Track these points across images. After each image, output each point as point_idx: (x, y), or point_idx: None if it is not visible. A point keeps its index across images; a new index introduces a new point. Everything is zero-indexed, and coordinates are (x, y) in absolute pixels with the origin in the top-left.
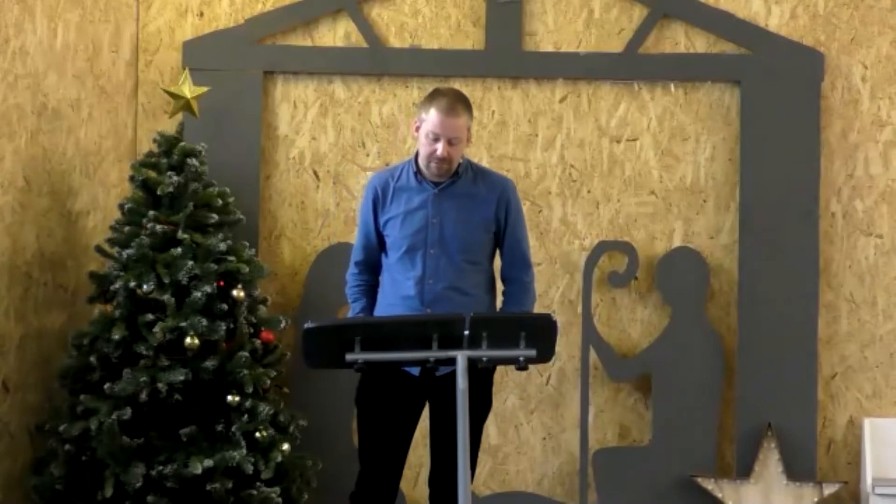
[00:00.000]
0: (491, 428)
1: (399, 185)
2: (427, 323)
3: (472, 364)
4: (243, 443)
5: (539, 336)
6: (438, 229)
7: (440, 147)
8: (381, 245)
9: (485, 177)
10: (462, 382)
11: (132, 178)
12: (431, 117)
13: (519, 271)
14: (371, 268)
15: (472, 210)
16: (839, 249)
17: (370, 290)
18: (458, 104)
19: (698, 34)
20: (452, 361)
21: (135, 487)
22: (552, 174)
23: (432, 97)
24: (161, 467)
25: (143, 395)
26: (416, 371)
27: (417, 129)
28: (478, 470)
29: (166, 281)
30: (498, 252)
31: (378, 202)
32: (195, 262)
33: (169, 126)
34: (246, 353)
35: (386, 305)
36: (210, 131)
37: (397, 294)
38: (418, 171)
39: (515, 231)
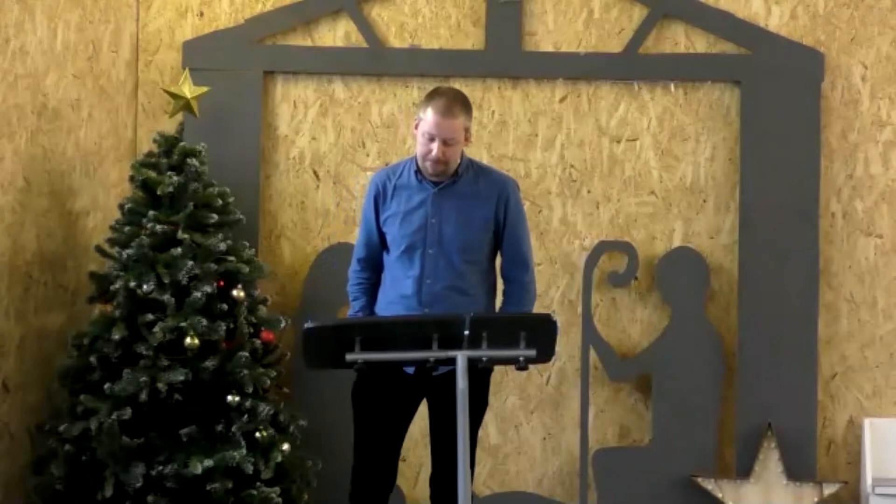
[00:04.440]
0: (491, 428)
1: (400, 182)
2: (427, 323)
3: (471, 364)
4: (243, 443)
5: (539, 336)
6: (437, 229)
7: (435, 148)
8: (383, 242)
9: (486, 175)
10: (462, 382)
11: (132, 178)
12: (428, 118)
13: (518, 271)
14: (372, 265)
15: (472, 210)
16: (839, 249)
17: (371, 289)
18: (455, 105)
19: (698, 34)
20: (452, 361)
21: (135, 487)
22: (552, 174)
23: (430, 96)
24: (161, 467)
25: (143, 395)
26: (411, 370)
27: (417, 126)
28: (478, 470)
29: (166, 281)
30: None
31: (379, 199)
32: (195, 262)
33: (169, 126)
34: (246, 353)
35: (386, 303)
36: (210, 131)
37: (397, 292)
38: (419, 170)
39: (515, 230)
